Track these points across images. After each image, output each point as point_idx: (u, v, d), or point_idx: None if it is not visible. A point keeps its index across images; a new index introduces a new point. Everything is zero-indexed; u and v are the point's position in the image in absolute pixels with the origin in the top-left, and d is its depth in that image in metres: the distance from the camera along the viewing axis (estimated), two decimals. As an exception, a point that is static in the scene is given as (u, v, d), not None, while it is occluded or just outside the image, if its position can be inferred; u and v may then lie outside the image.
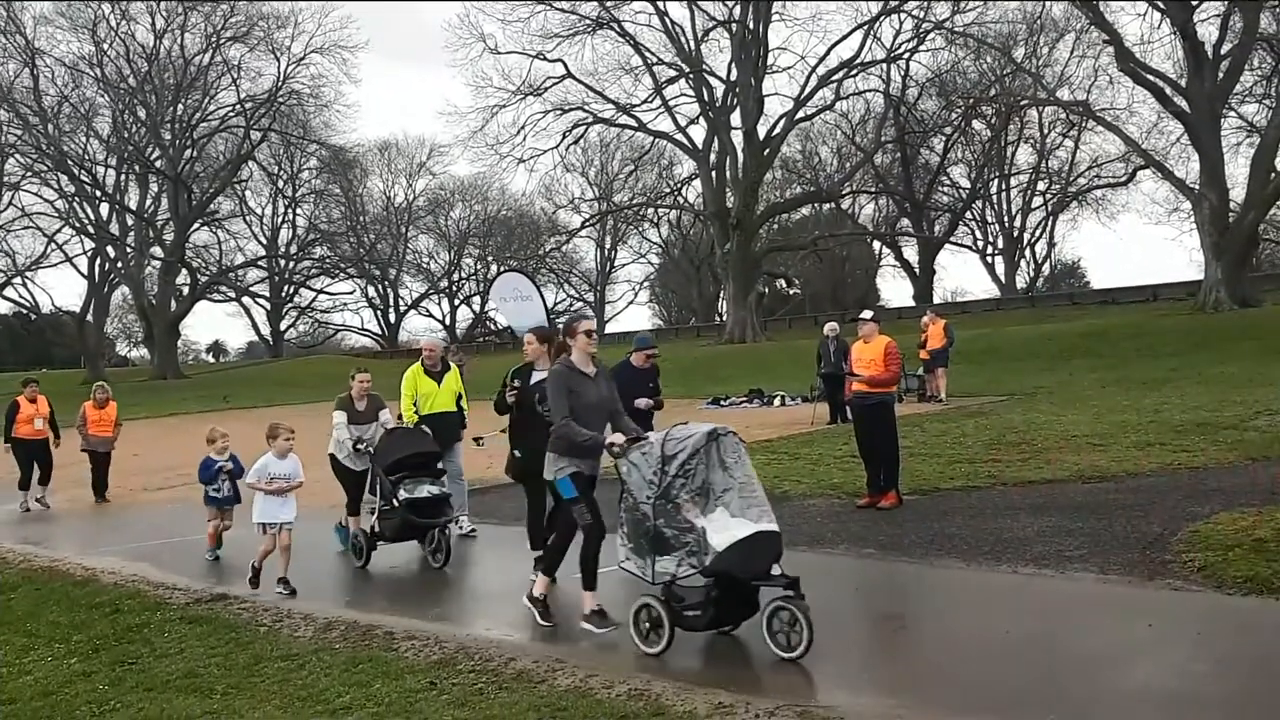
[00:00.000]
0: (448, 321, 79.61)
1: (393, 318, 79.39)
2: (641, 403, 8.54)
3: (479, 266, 77.62)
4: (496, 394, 8.30)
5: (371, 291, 78.18)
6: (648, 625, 6.02)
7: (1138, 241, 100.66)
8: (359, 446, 9.35)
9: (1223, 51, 34.12)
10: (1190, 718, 4.71)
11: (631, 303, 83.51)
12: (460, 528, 9.89)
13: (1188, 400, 16.75)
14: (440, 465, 9.26)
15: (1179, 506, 8.72)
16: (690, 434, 5.99)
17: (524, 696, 5.29)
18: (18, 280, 62.17)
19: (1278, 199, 34.54)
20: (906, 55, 48.05)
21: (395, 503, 8.71)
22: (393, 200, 76.20)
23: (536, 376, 7.95)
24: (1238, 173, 40.80)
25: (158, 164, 59.04)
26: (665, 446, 5.93)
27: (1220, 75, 34.06)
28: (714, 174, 48.68)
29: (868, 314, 10.52)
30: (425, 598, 7.96)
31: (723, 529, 5.80)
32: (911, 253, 62.23)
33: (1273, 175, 33.36)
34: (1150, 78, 35.05)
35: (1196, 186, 35.17)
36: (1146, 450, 11.78)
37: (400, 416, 10.11)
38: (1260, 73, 38.95)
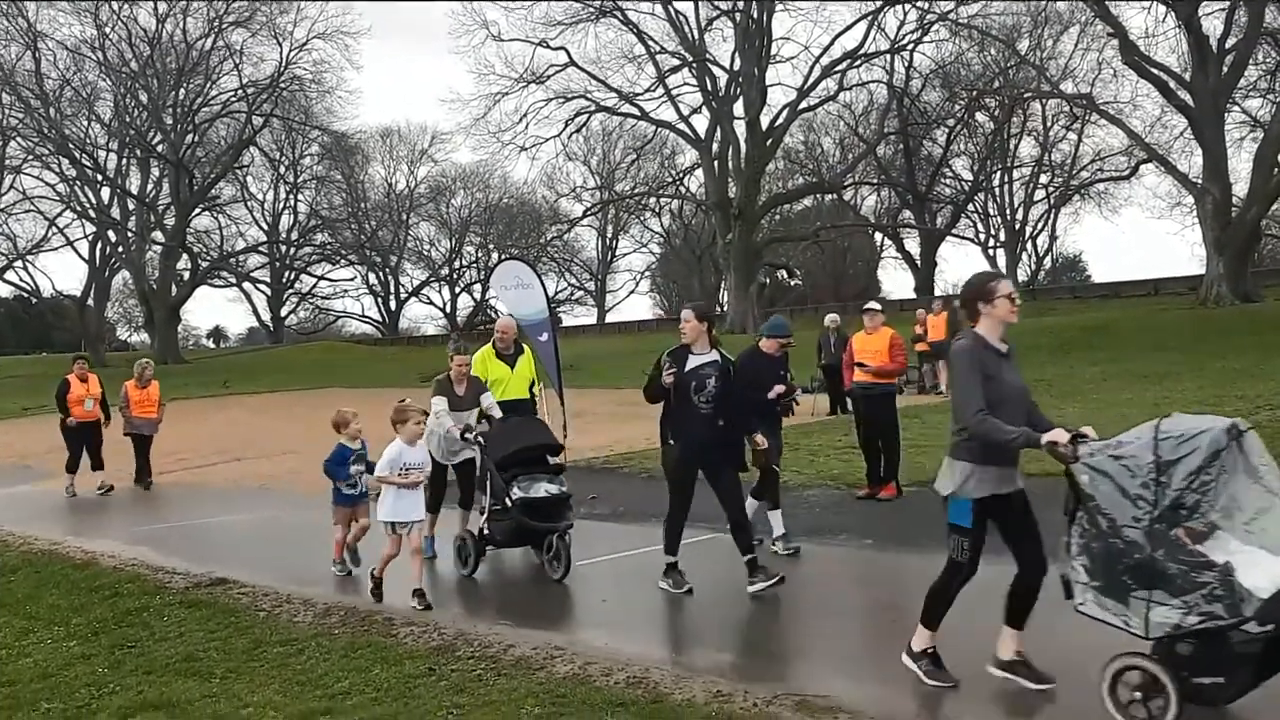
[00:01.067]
0: (448, 309, 79.61)
1: (393, 305, 79.38)
2: (778, 393, 8.00)
3: (480, 254, 77.55)
4: (649, 377, 7.36)
5: (372, 278, 78.15)
6: (1138, 695, 4.37)
7: (1140, 236, 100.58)
8: (468, 435, 8.24)
9: (1227, 46, 34.01)
10: (1190, 711, 4.71)
11: (632, 292, 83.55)
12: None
13: (1189, 395, 16.75)
14: (559, 459, 8.33)
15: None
16: (1199, 429, 4.33)
17: (523, 683, 5.30)
18: (18, 264, 62.15)
19: (1280, 194, 34.46)
20: (910, 46, 47.90)
21: (509, 502, 7.71)
22: (394, 187, 76.11)
23: (695, 360, 7.08)
24: (1241, 168, 40.66)
25: (159, 148, 58.92)
26: (1160, 448, 4.32)
27: (1224, 70, 33.97)
28: (716, 164, 48.60)
29: (876, 305, 10.52)
30: (427, 585, 7.95)
31: (1252, 564, 4.09)
32: (913, 245, 62.18)
33: (1276, 170, 33.27)
34: (1154, 71, 34.96)
35: (1199, 181, 35.11)
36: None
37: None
38: (1265, 67, 38.81)
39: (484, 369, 9.20)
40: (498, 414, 8.65)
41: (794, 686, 5.04)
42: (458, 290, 79.69)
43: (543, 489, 7.80)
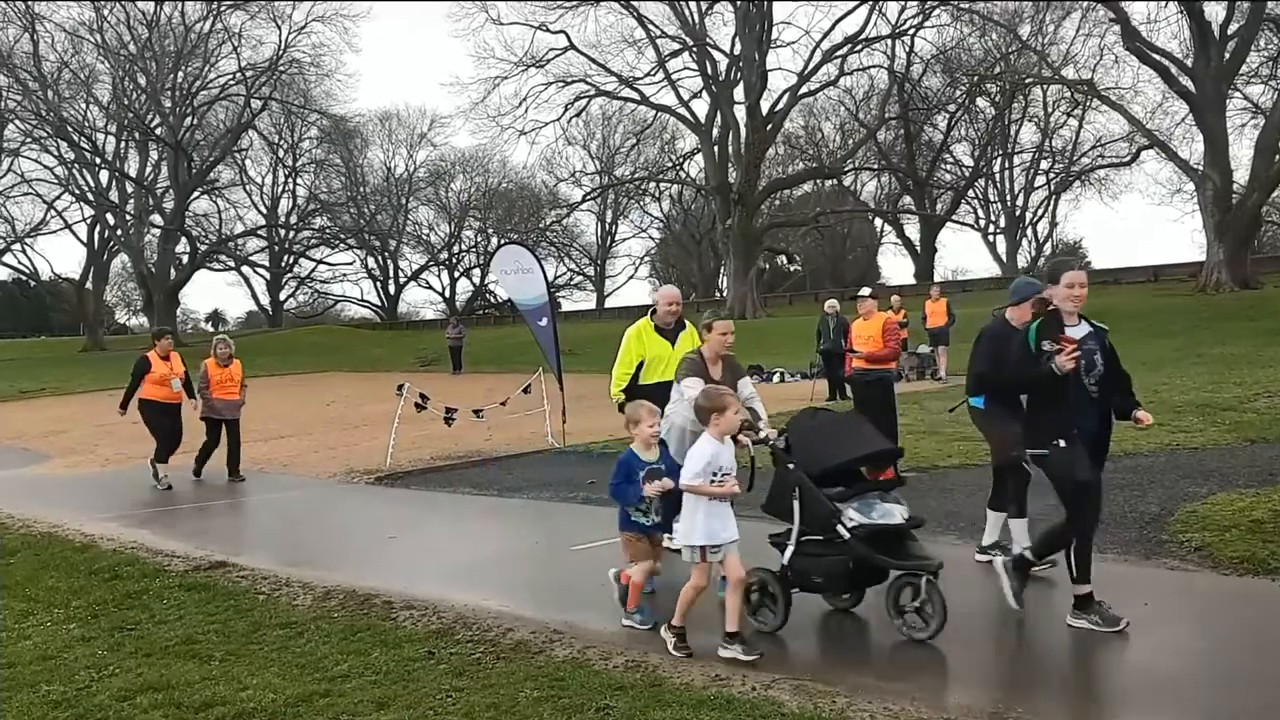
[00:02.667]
0: (447, 294, 79.52)
1: (392, 289, 79.29)
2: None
3: (479, 239, 77.44)
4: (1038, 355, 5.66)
5: (371, 263, 78.06)
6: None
7: (1140, 222, 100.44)
8: (761, 437, 6.17)
9: (1229, 31, 33.92)
10: (1187, 696, 4.73)
11: (632, 277, 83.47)
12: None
13: (1188, 381, 16.75)
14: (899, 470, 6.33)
15: (1177, 486, 8.74)
16: None
17: (522, 667, 5.32)
18: (16, 247, 62.12)
19: (1281, 181, 34.39)
20: (911, 31, 47.74)
21: (843, 531, 5.62)
22: (393, 171, 75.94)
23: (1071, 334, 5.69)
24: (1242, 154, 40.61)
25: (158, 131, 58.75)
26: None
27: (1226, 55, 33.87)
28: (716, 149, 48.48)
29: (866, 291, 10.55)
30: (426, 568, 7.97)
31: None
32: (913, 230, 62.15)
33: (1277, 157, 33.20)
34: (1156, 57, 34.87)
35: (1200, 167, 35.04)
36: (1145, 430, 11.76)
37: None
38: (1267, 53, 38.67)
39: (639, 346, 7.90)
40: (760, 409, 7.06)
41: (792, 672, 5.05)
42: (457, 275, 79.65)
43: (893, 512, 5.72)
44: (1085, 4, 42.38)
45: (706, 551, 5.47)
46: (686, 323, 8.13)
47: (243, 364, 13.24)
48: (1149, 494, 8.56)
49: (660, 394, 7.33)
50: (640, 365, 7.92)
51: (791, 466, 5.89)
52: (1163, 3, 36.09)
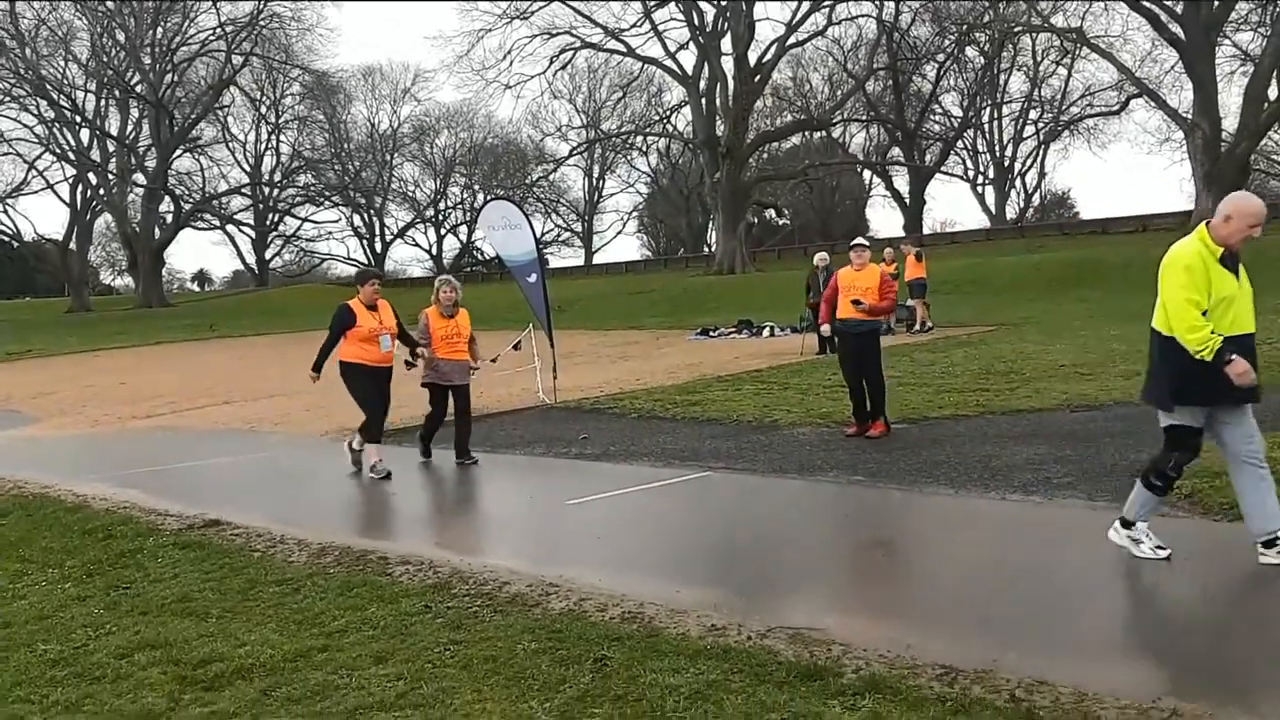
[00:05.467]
0: (434, 251, 79.16)
1: (379, 247, 78.87)
2: None
3: (466, 195, 76.97)
4: None
5: (357, 220, 77.59)
6: None
7: (1128, 171, 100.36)
8: None
9: (1220, -23, 33.69)
10: (1177, 643, 4.78)
11: (619, 233, 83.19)
12: None
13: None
14: None
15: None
16: None
17: (519, 620, 5.34)
18: (-1, 207, 61.48)
19: (1270, 128, 34.38)
20: (901, -21, 47.29)
21: None
22: (377, 127, 75.26)
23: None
24: (1230, 102, 40.48)
25: (138, 89, 58.01)
26: None
27: (1216, 3, 33.65)
28: (704, 101, 48.11)
29: (863, 242, 10.41)
30: (422, 523, 8.00)
31: None
32: (902, 182, 61.93)
33: (1265, 105, 33.13)
34: (1146, 4, 34.64)
35: (1189, 116, 34.94)
36: (1134, 379, 11.79)
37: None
38: (1257, 0, 38.46)
39: (1197, 279, 5.35)
40: None
41: (788, 621, 5.08)
42: (443, 232, 79.26)
43: None
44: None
45: None
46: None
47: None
48: (1139, 443, 8.59)
49: (1240, 346, 5.35)
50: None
51: None
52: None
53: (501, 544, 7.01)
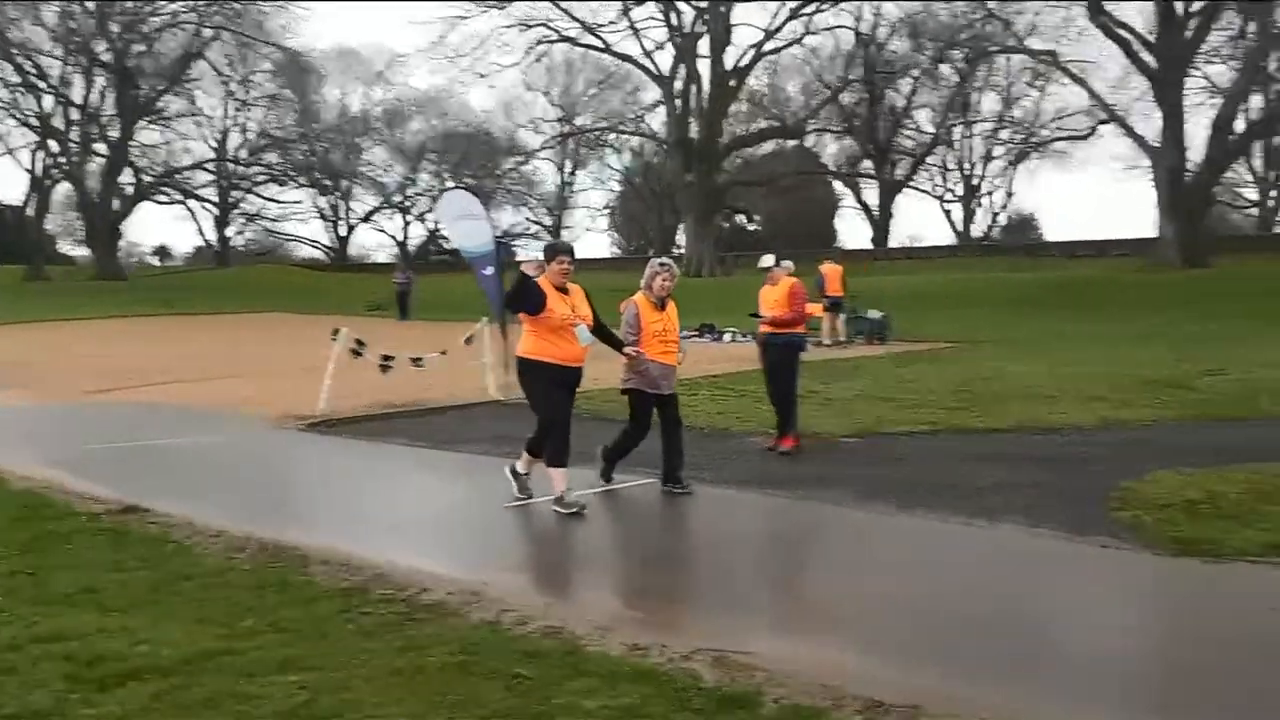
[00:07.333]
0: (400, 238, 78.42)
1: (344, 230, 78.01)
2: None
3: (436, 182, 76.26)
4: None
5: (323, 202, 76.66)
6: None
7: (1094, 196, 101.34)
8: None
9: (1193, 9, 34.00)
10: (1103, 675, 4.64)
11: (589, 229, 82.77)
12: None
13: (1136, 356, 16.85)
14: None
15: (1117, 463, 8.69)
16: None
17: (435, 629, 5.11)
18: (-44, 171, 60.15)
19: (1235, 161, 34.77)
20: (880, -8, 47.39)
21: None
22: (348, 109, 74.40)
23: None
24: (1198, 133, 40.92)
25: (105, 57, 56.95)
26: None
27: (1189, 33, 33.98)
28: (678, 102, 47.98)
29: (770, 259, 10.31)
30: (349, 520, 7.72)
31: None
32: (871, 195, 62.16)
33: (1231, 137, 33.49)
34: (1120, 31, 34.91)
35: (1157, 144, 35.25)
36: (1090, 405, 11.79)
37: None
38: (1228, 33, 38.89)
39: None
40: None
41: (714, 642, 4.89)
42: (409, 219, 78.49)
43: None
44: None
45: None
46: None
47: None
48: (1089, 469, 8.52)
49: None
50: None
51: None
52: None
53: (429, 546, 6.77)
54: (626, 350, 8.00)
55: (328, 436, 11.35)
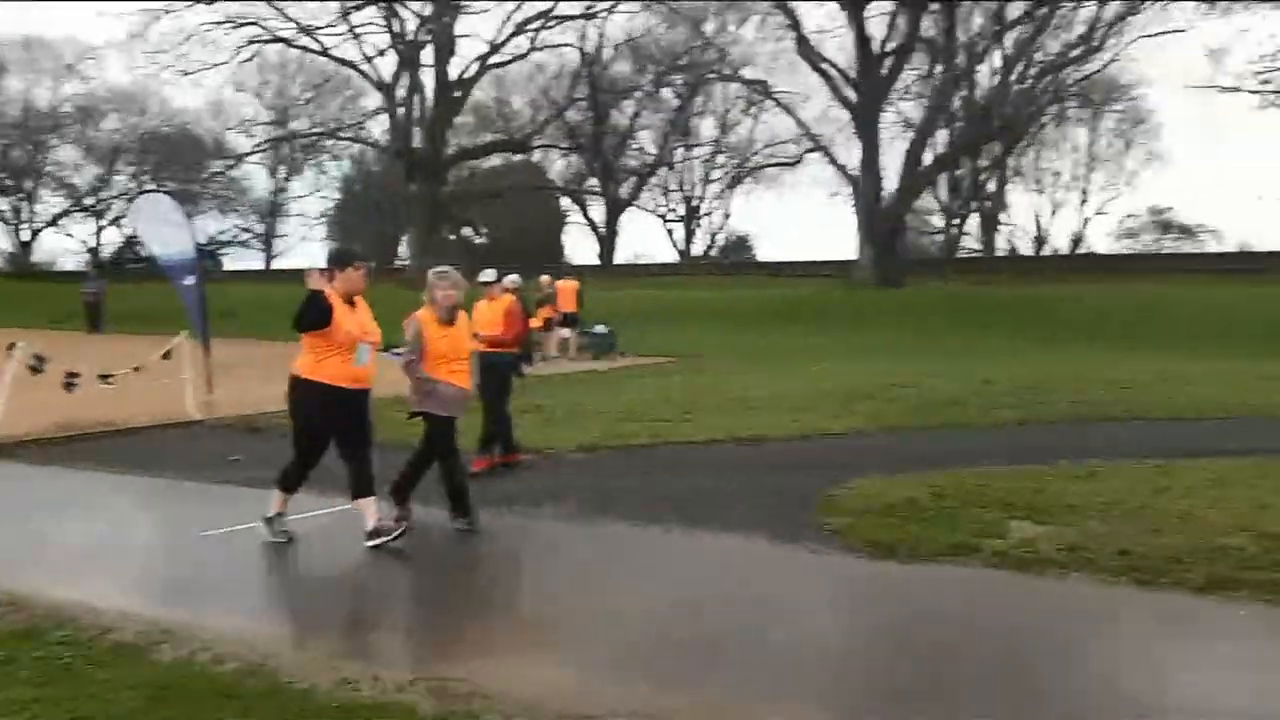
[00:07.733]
0: (93, 244, 72.16)
1: (26, 235, 70.92)
2: None
3: (133, 185, 70.70)
4: None
5: (3, 204, 69.39)
6: None
7: (805, 219, 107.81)
8: None
9: (888, 49, 36.97)
10: (810, 676, 4.81)
11: (304, 239, 79.21)
12: None
13: (838, 369, 17.94)
14: None
15: (823, 471, 9.14)
16: None
17: (120, 672, 4.62)
18: None
19: (923, 190, 38.05)
20: (603, 15, 48.32)
21: None
22: (33, 104, 67.77)
23: None
24: (892, 164, 44.44)
25: None
26: None
27: (885, 71, 36.90)
28: (401, 110, 46.93)
29: (491, 274, 10.20)
30: (18, 553, 6.89)
31: None
32: (598, 213, 63.32)
33: (920, 169, 36.64)
34: (824, 66, 37.42)
35: (856, 173, 37.99)
36: (798, 416, 12.38)
37: None
38: (920, 72, 42.48)
39: None
40: None
41: (430, 669, 4.69)
42: (104, 223, 72.35)
43: None
44: (765, 9, 44.63)
45: None
46: None
47: None
48: (796, 478, 8.91)
49: None
50: None
51: None
52: (835, 18, 38.70)
53: (113, 581, 6.13)
54: (408, 372, 7.28)
55: (2, 462, 10.16)
